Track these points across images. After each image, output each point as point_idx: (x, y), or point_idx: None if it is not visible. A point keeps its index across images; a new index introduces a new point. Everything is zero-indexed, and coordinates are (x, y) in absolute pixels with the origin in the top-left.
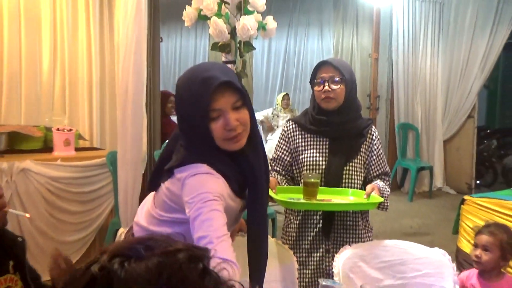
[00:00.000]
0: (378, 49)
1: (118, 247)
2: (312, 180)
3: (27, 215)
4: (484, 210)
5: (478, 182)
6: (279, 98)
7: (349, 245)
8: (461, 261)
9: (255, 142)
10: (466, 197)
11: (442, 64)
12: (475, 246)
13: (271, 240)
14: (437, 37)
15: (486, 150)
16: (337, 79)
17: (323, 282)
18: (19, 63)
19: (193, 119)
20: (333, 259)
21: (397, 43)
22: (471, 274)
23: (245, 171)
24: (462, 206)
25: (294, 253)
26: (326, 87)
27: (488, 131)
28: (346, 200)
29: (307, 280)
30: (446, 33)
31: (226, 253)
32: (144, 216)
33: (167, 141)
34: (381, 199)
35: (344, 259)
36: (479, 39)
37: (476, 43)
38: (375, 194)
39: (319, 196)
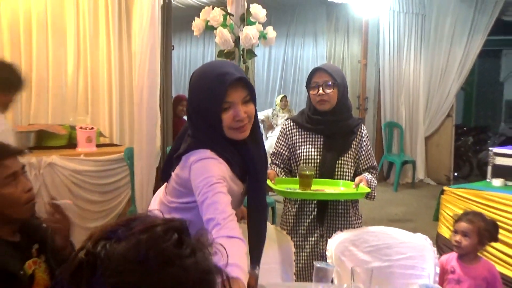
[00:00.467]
0: (366, 56)
1: (101, 231)
2: (307, 172)
3: (69, 201)
4: (461, 199)
5: (455, 174)
6: (278, 99)
7: (341, 230)
8: (441, 245)
9: (256, 134)
10: (445, 187)
11: (424, 69)
12: (455, 232)
13: (271, 227)
14: (419, 45)
15: (463, 145)
16: (330, 83)
17: (317, 264)
18: (46, 69)
19: (207, 108)
20: (326, 243)
21: (383, 50)
22: (451, 257)
23: (246, 158)
24: (441, 196)
25: (291, 238)
26: (321, 91)
27: (464, 128)
28: (337, 190)
29: (303, 262)
30: (427, 42)
31: (233, 231)
32: (156, 205)
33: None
34: (368, 190)
35: (336, 243)
36: (457, 47)
37: (454, 51)
38: (363, 185)
39: (313, 187)
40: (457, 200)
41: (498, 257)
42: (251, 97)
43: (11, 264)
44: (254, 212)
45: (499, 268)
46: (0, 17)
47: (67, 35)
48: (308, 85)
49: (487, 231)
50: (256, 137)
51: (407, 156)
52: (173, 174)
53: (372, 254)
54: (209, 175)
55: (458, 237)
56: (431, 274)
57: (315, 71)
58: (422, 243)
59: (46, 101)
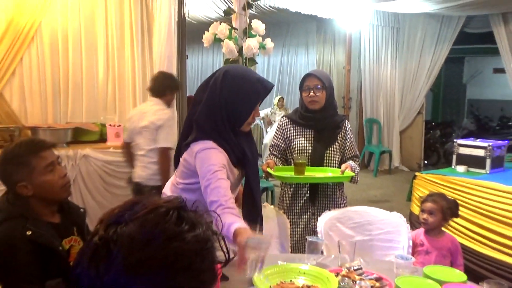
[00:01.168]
0: (350, 62)
1: (109, 216)
2: (301, 161)
3: None
4: (430, 183)
5: (425, 162)
6: (276, 100)
7: (329, 210)
8: (414, 222)
9: (250, 131)
10: (417, 173)
11: (398, 74)
12: (422, 211)
13: (270, 207)
14: (395, 54)
15: (431, 138)
16: (319, 86)
17: (309, 238)
18: (80, 76)
19: (244, 104)
20: (317, 221)
21: (364, 58)
22: (419, 232)
23: (244, 145)
24: (414, 180)
25: (287, 216)
26: (312, 93)
27: (433, 124)
28: (326, 175)
29: (298, 236)
30: (401, 51)
31: (234, 210)
32: (169, 188)
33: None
34: (353, 174)
35: (325, 221)
36: (426, 55)
37: (424, 58)
38: (348, 170)
39: (306, 173)
40: (427, 184)
41: (460, 231)
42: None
43: (52, 241)
44: (249, 185)
45: (461, 240)
46: (42, 33)
47: (98, 48)
48: (301, 88)
49: (449, 209)
50: (250, 132)
51: (385, 147)
52: (181, 159)
53: (356, 230)
54: (211, 163)
55: (425, 215)
56: (405, 246)
57: (307, 76)
58: (397, 220)
59: (80, 103)
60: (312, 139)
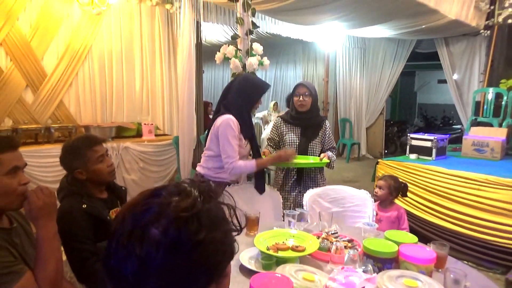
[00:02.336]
0: (328, 75)
1: (135, 207)
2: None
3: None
4: (389, 167)
5: (386, 151)
6: (271, 104)
7: (312, 188)
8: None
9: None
10: (379, 160)
11: (365, 84)
12: (375, 186)
13: (267, 186)
14: (362, 69)
15: (390, 133)
16: (307, 93)
17: (298, 211)
18: (122, 86)
19: (254, 94)
20: (303, 197)
21: (339, 72)
22: (375, 204)
23: (250, 123)
24: (377, 165)
25: (280, 193)
26: (301, 99)
27: (391, 122)
28: (308, 161)
29: (288, 208)
30: (367, 66)
31: (242, 162)
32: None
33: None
34: (328, 161)
35: (309, 196)
36: (386, 69)
37: (384, 72)
38: (325, 159)
39: (294, 161)
40: (387, 168)
41: (413, 204)
42: None
43: (102, 212)
44: (257, 152)
45: (413, 211)
46: (92, 54)
47: (135, 65)
48: (293, 94)
49: (395, 188)
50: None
51: (355, 140)
52: (210, 131)
53: (332, 203)
54: (227, 131)
55: (376, 190)
56: (370, 216)
57: (299, 85)
58: (364, 196)
59: (122, 107)
60: (300, 134)
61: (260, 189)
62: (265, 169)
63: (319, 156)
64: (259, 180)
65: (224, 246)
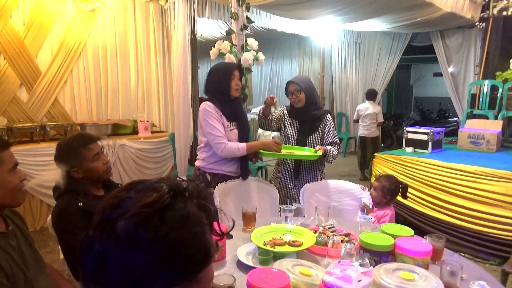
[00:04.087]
0: (324, 70)
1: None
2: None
3: None
4: (386, 161)
5: (382, 145)
6: None
7: (309, 183)
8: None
9: (241, 101)
10: (376, 154)
11: (361, 78)
12: (372, 187)
13: (264, 181)
14: (358, 63)
15: (387, 126)
16: (298, 89)
17: (295, 206)
18: (117, 82)
19: (221, 80)
20: (298, 191)
21: (335, 66)
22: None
23: (235, 108)
24: (373, 159)
25: (277, 187)
26: (294, 96)
27: (388, 116)
28: (302, 153)
29: (284, 203)
30: (362, 60)
31: (235, 143)
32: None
33: None
34: (320, 154)
35: (305, 191)
36: (382, 63)
37: (380, 65)
38: (321, 152)
39: (287, 150)
40: (383, 162)
41: (409, 197)
42: (241, 77)
43: None
44: (243, 135)
45: (409, 204)
46: (87, 50)
47: (130, 61)
48: (286, 92)
49: (388, 190)
50: (239, 99)
51: (351, 134)
52: None
53: (329, 197)
54: (206, 117)
55: (372, 190)
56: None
57: (289, 83)
58: (361, 190)
59: (117, 104)
60: (298, 128)
61: (244, 175)
62: (260, 164)
63: None
64: (243, 164)
65: (191, 248)
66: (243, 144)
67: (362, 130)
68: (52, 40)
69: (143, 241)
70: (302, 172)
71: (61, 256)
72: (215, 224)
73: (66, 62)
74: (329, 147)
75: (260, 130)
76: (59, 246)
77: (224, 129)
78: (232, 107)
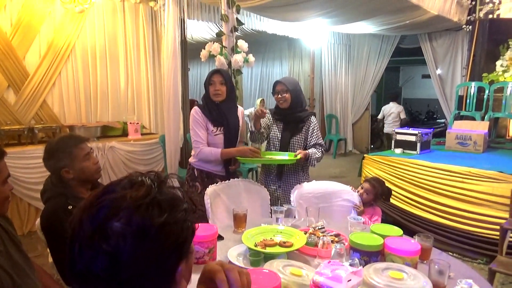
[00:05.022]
0: (313, 72)
1: (91, 212)
2: (257, 146)
3: None
4: (375, 162)
5: (371, 146)
6: (258, 101)
7: (293, 184)
8: None
9: (231, 103)
10: (365, 155)
11: (350, 80)
12: (362, 188)
13: (254, 183)
14: (347, 65)
15: (376, 128)
16: (285, 89)
17: (285, 207)
18: (106, 85)
19: (205, 85)
20: (282, 192)
21: (324, 68)
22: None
23: (220, 112)
24: (363, 160)
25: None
26: (280, 96)
27: (377, 117)
28: (282, 157)
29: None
30: (352, 62)
31: (208, 148)
32: None
33: None
34: (298, 157)
35: (296, 192)
36: (371, 65)
37: (369, 68)
38: (301, 156)
39: (268, 156)
40: (373, 163)
41: (397, 197)
42: (226, 82)
43: None
44: (230, 142)
45: (398, 204)
46: (76, 52)
47: (119, 63)
48: (273, 92)
49: (380, 194)
50: (230, 105)
51: (341, 136)
52: None
53: (320, 199)
54: (193, 123)
55: (362, 191)
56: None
57: (276, 83)
58: (351, 191)
59: (107, 106)
60: (282, 129)
61: (228, 176)
62: (250, 166)
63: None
64: (226, 166)
65: (186, 223)
66: (217, 150)
67: (387, 128)
68: (40, 42)
69: (150, 228)
70: (285, 174)
71: (50, 259)
72: (189, 199)
73: (55, 63)
74: (311, 150)
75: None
76: (48, 250)
77: (206, 134)
78: (219, 112)
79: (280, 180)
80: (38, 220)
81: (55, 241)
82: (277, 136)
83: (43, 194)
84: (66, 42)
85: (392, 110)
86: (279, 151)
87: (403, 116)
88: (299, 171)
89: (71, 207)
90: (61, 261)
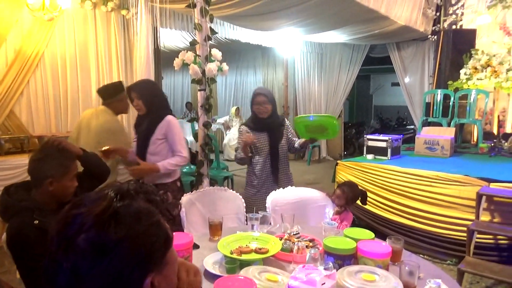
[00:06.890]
0: (287, 80)
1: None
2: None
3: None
4: (348, 168)
5: (345, 152)
6: (233, 110)
7: (275, 190)
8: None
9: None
10: (338, 161)
11: (323, 88)
12: (334, 193)
13: (230, 191)
14: (320, 73)
15: (349, 134)
16: (266, 101)
17: (261, 214)
18: (77, 93)
19: None
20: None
21: (298, 76)
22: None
23: (138, 123)
24: (336, 166)
25: (256, 193)
26: (261, 107)
27: (349, 124)
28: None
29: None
30: (325, 70)
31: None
32: None
33: None
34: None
35: (271, 199)
36: (343, 74)
37: (341, 76)
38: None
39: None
40: (346, 169)
41: (369, 202)
42: (140, 96)
43: None
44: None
45: (370, 208)
46: (45, 60)
47: (90, 71)
48: (252, 102)
49: (351, 199)
50: (147, 118)
51: (315, 143)
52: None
53: (295, 205)
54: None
55: (334, 197)
56: (330, 215)
57: (256, 95)
58: (325, 197)
59: (78, 115)
60: (268, 138)
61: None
62: (226, 174)
63: (287, 154)
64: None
65: (153, 236)
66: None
67: None
68: (7, 50)
69: (108, 245)
70: (280, 174)
71: (18, 275)
72: (165, 210)
73: (23, 72)
74: (302, 140)
75: (226, 139)
76: (15, 266)
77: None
78: (137, 121)
79: (276, 184)
80: (4, 235)
81: (22, 258)
82: (265, 145)
83: (6, 212)
84: (35, 50)
85: None
86: (270, 158)
87: None
88: (288, 171)
89: (37, 221)
90: (30, 280)
